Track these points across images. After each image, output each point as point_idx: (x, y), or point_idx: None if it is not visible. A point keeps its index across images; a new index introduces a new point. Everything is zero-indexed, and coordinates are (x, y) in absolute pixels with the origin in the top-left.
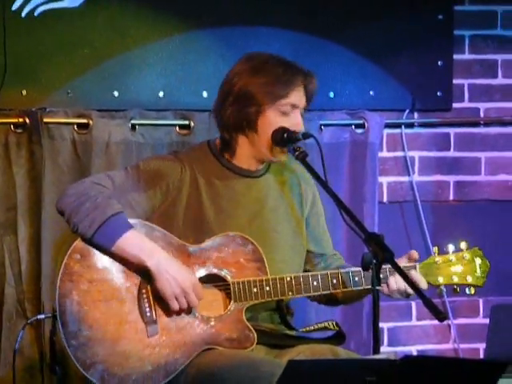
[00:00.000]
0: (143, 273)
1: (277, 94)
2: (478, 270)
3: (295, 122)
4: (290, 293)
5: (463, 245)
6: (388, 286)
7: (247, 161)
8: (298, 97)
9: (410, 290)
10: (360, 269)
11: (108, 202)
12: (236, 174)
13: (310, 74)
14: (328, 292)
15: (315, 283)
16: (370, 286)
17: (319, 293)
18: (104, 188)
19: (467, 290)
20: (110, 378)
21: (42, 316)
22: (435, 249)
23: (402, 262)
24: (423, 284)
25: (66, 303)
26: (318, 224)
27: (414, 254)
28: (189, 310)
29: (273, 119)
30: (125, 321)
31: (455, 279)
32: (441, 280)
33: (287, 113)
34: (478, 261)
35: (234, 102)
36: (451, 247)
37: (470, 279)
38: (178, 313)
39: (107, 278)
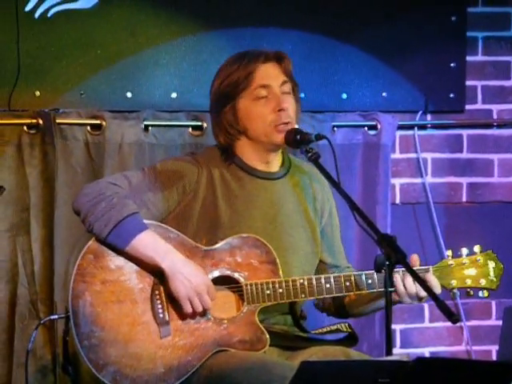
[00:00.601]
0: (157, 274)
1: (239, 82)
2: (492, 274)
3: (275, 102)
4: (303, 295)
5: (477, 248)
6: (396, 290)
7: (256, 159)
8: (264, 76)
9: (422, 293)
10: (373, 272)
11: (124, 202)
12: (252, 176)
13: (273, 51)
14: (341, 295)
15: (328, 285)
16: (383, 289)
17: (332, 295)
18: (120, 188)
19: (480, 293)
20: (122, 379)
21: (55, 316)
22: (449, 252)
23: None
24: (437, 288)
25: (79, 304)
26: (333, 235)
27: (414, 259)
28: (203, 312)
29: (249, 107)
30: (137, 322)
31: (468, 282)
32: (454, 283)
33: (263, 96)
34: (492, 264)
35: (215, 109)
36: (465, 250)
37: (483, 282)
38: (192, 315)
39: (120, 278)
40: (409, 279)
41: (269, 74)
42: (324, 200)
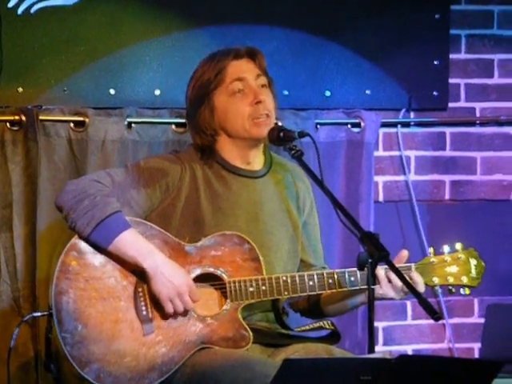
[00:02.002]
0: (140, 273)
1: (211, 80)
2: (473, 271)
3: (253, 95)
4: (286, 292)
5: (458, 246)
6: (381, 284)
7: (237, 156)
8: (237, 71)
9: (405, 289)
10: (356, 269)
11: (107, 200)
12: (234, 174)
13: (244, 47)
14: (323, 292)
15: (311, 283)
16: (365, 286)
17: (315, 292)
18: (103, 186)
19: (462, 290)
20: (105, 376)
21: (38, 314)
22: (431, 249)
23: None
24: (421, 286)
25: (63, 301)
26: (313, 234)
27: (404, 253)
28: (184, 313)
29: (226, 103)
30: (121, 319)
31: (450, 280)
32: (436, 280)
33: (239, 89)
34: (474, 262)
35: (191, 112)
36: (446, 248)
37: (465, 280)
38: (173, 315)
39: (104, 276)
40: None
41: (242, 69)
42: (305, 198)
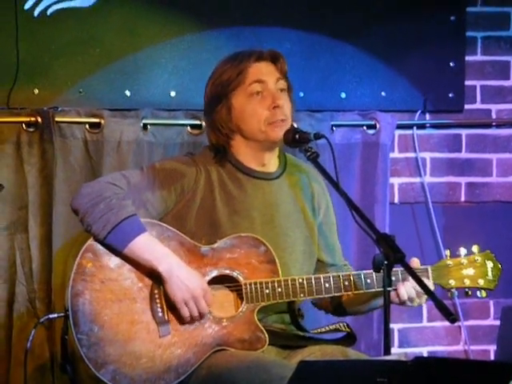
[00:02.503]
0: (155, 275)
1: (231, 80)
2: (490, 274)
3: (271, 99)
4: (302, 294)
5: (475, 248)
6: (398, 295)
7: (252, 159)
8: (258, 73)
9: (419, 300)
10: (372, 271)
11: (122, 203)
12: (249, 176)
13: (267, 50)
14: (340, 294)
15: (327, 285)
16: (381, 289)
17: (331, 295)
18: (119, 189)
19: (478, 293)
20: (121, 378)
21: (54, 315)
22: (447, 252)
23: None
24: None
25: (79, 303)
26: (330, 233)
27: (415, 261)
28: (199, 316)
29: (244, 104)
30: (137, 321)
31: (467, 282)
32: (452, 283)
33: (257, 91)
34: (490, 264)
35: (208, 110)
36: (463, 250)
37: (481, 282)
38: (188, 318)
39: (120, 277)
40: (408, 284)
41: (263, 71)
42: (320, 198)
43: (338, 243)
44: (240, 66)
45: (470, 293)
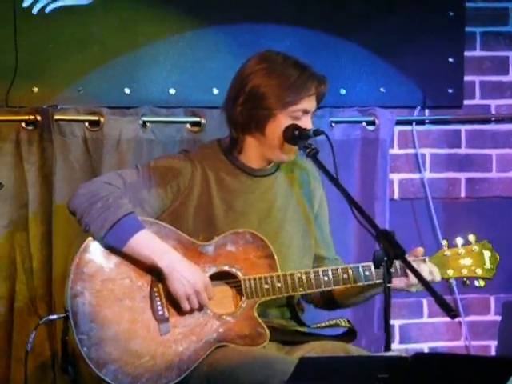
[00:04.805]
0: (155, 272)
1: (289, 100)
2: (488, 263)
3: (305, 125)
4: (301, 289)
5: (472, 238)
6: (408, 279)
7: (256, 160)
8: (310, 103)
9: (418, 286)
10: (370, 263)
11: (119, 202)
12: (245, 173)
13: (324, 79)
14: (339, 287)
15: (326, 278)
16: (380, 281)
17: (330, 288)
18: (115, 188)
19: (476, 282)
20: (123, 377)
21: (55, 316)
22: (444, 242)
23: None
24: (437, 276)
25: (79, 303)
26: (324, 226)
27: (418, 251)
28: (199, 308)
29: (283, 124)
30: (137, 319)
31: (465, 272)
32: (450, 273)
33: (298, 117)
34: (488, 253)
35: (245, 101)
36: (460, 240)
37: (479, 272)
38: (190, 312)
39: (119, 277)
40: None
41: (311, 104)
42: (316, 191)
43: (330, 236)
44: (304, 89)
45: (468, 282)
